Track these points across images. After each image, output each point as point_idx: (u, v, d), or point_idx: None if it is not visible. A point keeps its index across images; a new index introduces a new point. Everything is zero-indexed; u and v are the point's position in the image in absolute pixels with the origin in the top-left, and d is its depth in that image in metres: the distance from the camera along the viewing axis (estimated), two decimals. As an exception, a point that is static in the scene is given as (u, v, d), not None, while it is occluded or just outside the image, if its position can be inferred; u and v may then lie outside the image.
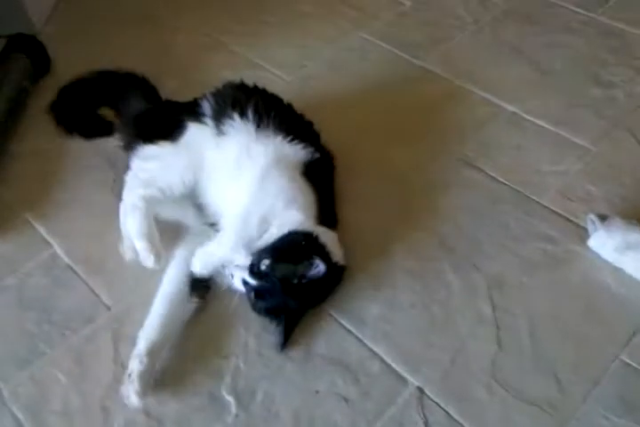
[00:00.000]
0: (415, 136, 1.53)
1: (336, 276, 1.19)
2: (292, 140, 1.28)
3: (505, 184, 1.40)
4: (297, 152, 1.28)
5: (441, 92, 1.66)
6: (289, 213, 1.18)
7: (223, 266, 1.19)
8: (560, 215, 1.33)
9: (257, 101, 1.32)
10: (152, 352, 1.11)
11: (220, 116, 1.31)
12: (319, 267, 1.10)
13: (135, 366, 1.08)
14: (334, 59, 1.78)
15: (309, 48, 1.81)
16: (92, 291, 1.25)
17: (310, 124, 1.38)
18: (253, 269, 1.12)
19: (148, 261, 1.20)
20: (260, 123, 1.28)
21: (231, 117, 1.29)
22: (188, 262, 1.21)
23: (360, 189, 1.40)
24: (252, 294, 1.14)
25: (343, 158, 1.38)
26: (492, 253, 1.27)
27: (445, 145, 1.50)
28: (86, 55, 1.79)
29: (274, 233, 1.17)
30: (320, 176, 1.29)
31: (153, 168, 1.29)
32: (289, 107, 1.38)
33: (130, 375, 1.07)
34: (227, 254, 1.18)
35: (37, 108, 1.63)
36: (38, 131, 1.58)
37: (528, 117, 1.56)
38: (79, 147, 1.52)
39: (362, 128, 1.55)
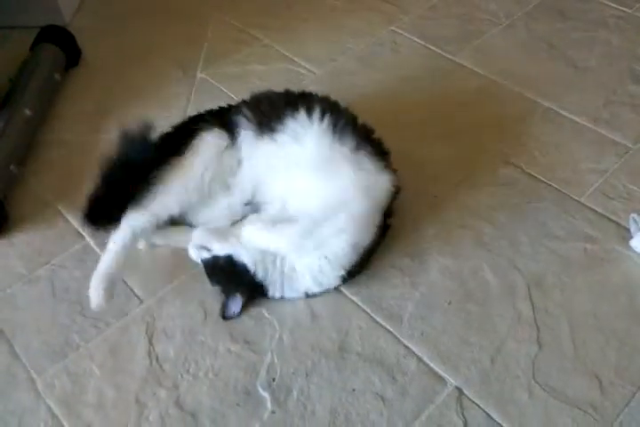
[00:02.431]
0: (450, 132, 1.51)
1: None
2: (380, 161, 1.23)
3: (543, 182, 1.38)
4: (385, 181, 1.22)
5: (474, 87, 1.63)
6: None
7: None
8: (600, 214, 1.30)
9: (323, 103, 1.26)
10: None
11: (267, 117, 1.25)
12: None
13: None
14: (365, 53, 1.76)
15: (340, 42, 1.79)
16: (125, 283, 1.24)
17: (380, 142, 1.30)
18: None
19: (93, 301, 1.14)
20: (333, 127, 1.22)
21: (292, 116, 1.23)
22: None
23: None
24: None
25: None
26: (531, 252, 1.25)
27: (481, 141, 1.48)
28: (115, 47, 1.79)
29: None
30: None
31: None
32: (355, 118, 1.30)
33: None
34: (277, 248, 1.17)
35: (67, 99, 1.63)
36: (69, 122, 1.58)
37: (565, 114, 1.53)
38: (109, 138, 1.50)
39: (393, 123, 1.52)
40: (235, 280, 1.17)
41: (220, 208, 1.26)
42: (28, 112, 1.47)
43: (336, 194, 1.17)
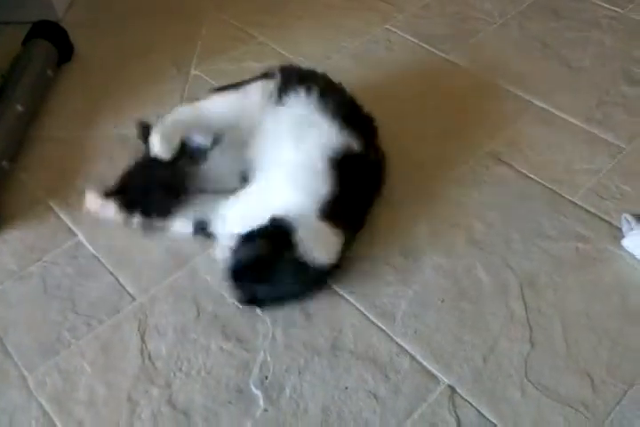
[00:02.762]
0: (443, 130, 1.51)
1: (320, 279, 1.19)
2: (344, 131, 1.26)
3: (536, 181, 1.38)
4: (341, 144, 1.25)
5: (468, 85, 1.63)
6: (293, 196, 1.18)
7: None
8: (593, 214, 1.31)
9: (324, 85, 1.33)
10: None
11: (285, 87, 1.31)
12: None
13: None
14: (359, 51, 1.75)
15: (334, 40, 1.79)
16: (117, 280, 1.23)
17: (370, 119, 1.37)
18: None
19: (155, 147, 1.22)
20: (320, 105, 1.28)
21: (297, 92, 1.30)
22: None
23: (386, 185, 1.37)
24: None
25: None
26: (524, 251, 1.25)
27: (474, 140, 1.48)
28: (108, 43, 1.78)
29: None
30: (356, 173, 1.25)
31: (203, 105, 1.32)
32: (351, 99, 1.38)
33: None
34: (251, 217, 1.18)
35: (59, 95, 1.62)
36: (61, 118, 1.56)
37: (558, 113, 1.53)
38: (102, 135, 1.50)
39: (386, 122, 1.52)
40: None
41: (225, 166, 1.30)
42: (19, 108, 1.46)
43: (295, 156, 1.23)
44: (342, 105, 1.31)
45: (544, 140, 1.47)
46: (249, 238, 1.14)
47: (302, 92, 1.30)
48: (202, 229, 1.26)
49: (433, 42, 1.76)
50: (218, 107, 1.32)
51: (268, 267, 1.13)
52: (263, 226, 1.14)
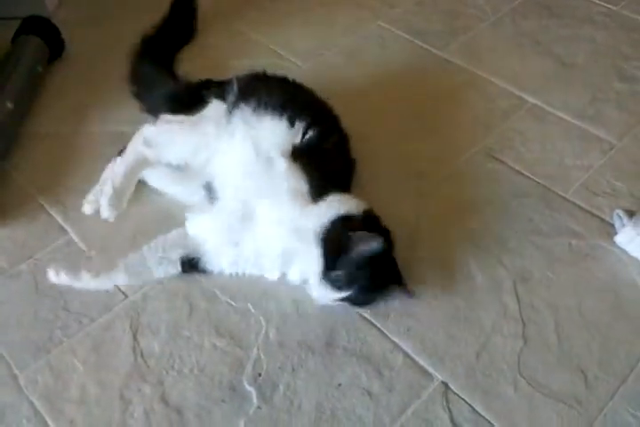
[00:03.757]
0: (435, 127, 1.51)
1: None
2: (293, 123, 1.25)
3: (529, 178, 1.38)
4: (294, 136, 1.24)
5: (461, 82, 1.63)
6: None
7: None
8: (585, 210, 1.31)
9: (267, 91, 1.31)
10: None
11: (234, 105, 1.30)
12: (368, 241, 1.09)
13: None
14: (351, 47, 1.75)
15: (327, 37, 1.78)
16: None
17: (323, 106, 1.36)
18: (339, 285, 1.11)
19: (105, 210, 1.25)
20: (261, 108, 1.27)
21: (241, 109, 1.29)
22: None
23: (378, 182, 1.37)
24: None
25: (359, 150, 1.35)
26: (517, 247, 1.25)
27: (466, 137, 1.48)
28: (99, 39, 1.76)
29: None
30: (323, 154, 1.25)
31: (163, 132, 1.31)
32: (300, 90, 1.37)
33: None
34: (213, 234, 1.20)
35: (50, 92, 1.60)
36: (51, 114, 1.55)
37: (550, 110, 1.54)
38: (92, 132, 1.49)
39: (378, 118, 1.53)
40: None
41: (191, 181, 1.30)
42: (9, 105, 1.44)
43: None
44: (291, 101, 1.29)
45: (536, 137, 1.47)
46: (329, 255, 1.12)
47: (253, 101, 1.28)
48: (191, 266, 1.21)
49: (426, 38, 1.76)
50: (173, 150, 1.30)
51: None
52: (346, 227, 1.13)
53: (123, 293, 1.20)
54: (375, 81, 1.63)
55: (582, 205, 1.32)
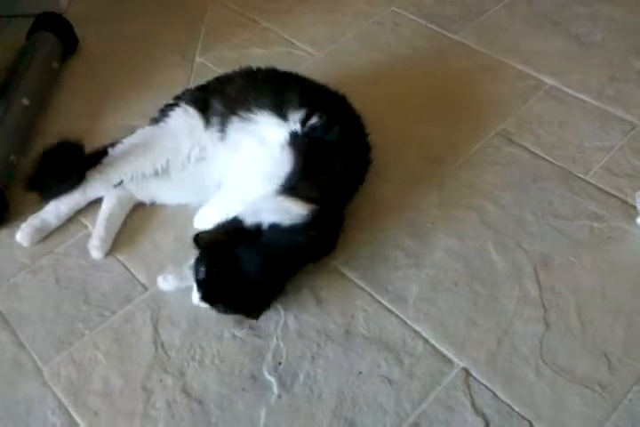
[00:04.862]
0: (452, 112, 1.49)
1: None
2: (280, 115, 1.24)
3: (548, 161, 1.36)
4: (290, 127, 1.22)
5: (477, 65, 1.61)
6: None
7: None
8: (606, 192, 1.29)
9: (253, 94, 1.28)
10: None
11: (223, 120, 1.29)
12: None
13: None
14: (365, 34, 1.73)
15: (340, 24, 1.76)
16: (129, 271, 1.23)
17: (329, 95, 1.32)
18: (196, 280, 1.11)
19: (92, 249, 1.25)
20: (250, 112, 1.26)
21: (230, 120, 1.28)
22: None
23: (395, 168, 1.36)
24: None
25: (376, 136, 1.33)
26: (537, 231, 1.24)
27: (484, 120, 1.46)
28: (113, 34, 1.77)
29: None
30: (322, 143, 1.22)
31: (123, 150, 1.33)
32: (296, 80, 1.34)
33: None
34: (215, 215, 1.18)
35: (65, 87, 1.61)
36: (67, 110, 1.56)
37: (569, 91, 1.51)
38: (108, 127, 1.50)
39: (395, 104, 1.51)
40: None
41: (188, 186, 1.32)
42: (25, 101, 1.45)
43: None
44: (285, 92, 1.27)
45: (555, 119, 1.45)
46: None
47: (241, 111, 1.26)
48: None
49: (440, 22, 1.74)
50: (135, 165, 1.30)
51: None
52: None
53: (142, 285, 1.21)
54: (390, 67, 1.62)
55: (603, 187, 1.30)
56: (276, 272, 1.12)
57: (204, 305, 1.11)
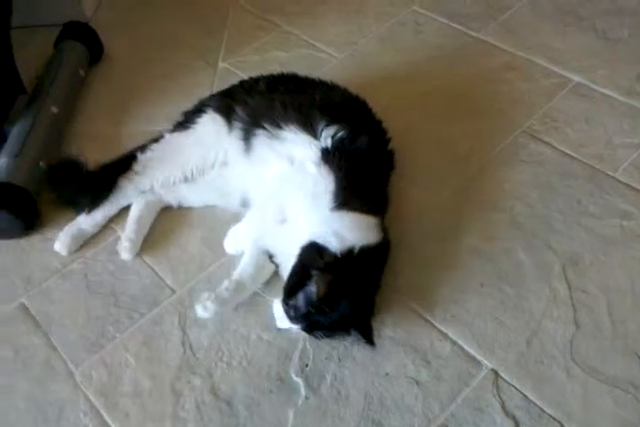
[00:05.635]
0: (477, 111, 1.47)
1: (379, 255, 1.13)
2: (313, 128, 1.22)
3: (575, 158, 1.34)
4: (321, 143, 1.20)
5: (501, 64, 1.59)
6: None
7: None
8: (636, 189, 1.27)
9: (279, 107, 1.26)
10: (239, 284, 1.15)
11: (247, 132, 1.28)
12: (314, 283, 1.04)
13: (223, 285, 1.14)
14: (387, 34, 1.73)
15: (361, 25, 1.76)
16: (157, 274, 1.25)
17: (353, 103, 1.32)
18: (292, 315, 1.07)
19: (121, 250, 1.27)
20: (278, 128, 1.24)
21: (255, 133, 1.26)
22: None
23: (420, 168, 1.36)
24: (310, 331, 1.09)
25: (401, 137, 1.33)
26: (565, 230, 1.22)
27: (509, 119, 1.44)
28: (136, 40, 1.80)
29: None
30: (354, 154, 1.20)
31: (148, 159, 1.34)
32: (319, 90, 1.32)
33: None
34: (249, 236, 1.19)
35: (92, 94, 1.64)
36: (94, 116, 1.59)
37: (596, 88, 1.48)
38: (134, 132, 1.52)
39: (419, 104, 1.51)
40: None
41: (213, 190, 1.33)
42: (54, 109, 1.48)
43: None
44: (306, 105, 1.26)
45: (582, 116, 1.42)
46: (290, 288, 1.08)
47: (266, 123, 1.25)
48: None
49: (463, 21, 1.73)
50: (162, 173, 1.32)
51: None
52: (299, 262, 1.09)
53: (170, 288, 1.23)
54: (413, 67, 1.61)
55: (633, 184, 1.27)
56: (374, 291, 1.11)
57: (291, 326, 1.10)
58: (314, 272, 1.04)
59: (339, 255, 1.06)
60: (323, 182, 1.14)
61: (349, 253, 1.07)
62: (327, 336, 1.09)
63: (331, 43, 1.71)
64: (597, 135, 1.38)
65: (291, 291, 1.07)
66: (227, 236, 1.24)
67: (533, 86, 1.52)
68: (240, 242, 1.22)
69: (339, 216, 1.11)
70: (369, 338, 1.07)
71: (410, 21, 1.75)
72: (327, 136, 1.21)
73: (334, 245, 1.07)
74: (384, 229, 1.15)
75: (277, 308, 1.11)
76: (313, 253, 1.08)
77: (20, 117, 1.44)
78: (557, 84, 1.51)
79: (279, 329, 1.13)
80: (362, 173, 1.19)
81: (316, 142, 1.20)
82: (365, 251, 1.08)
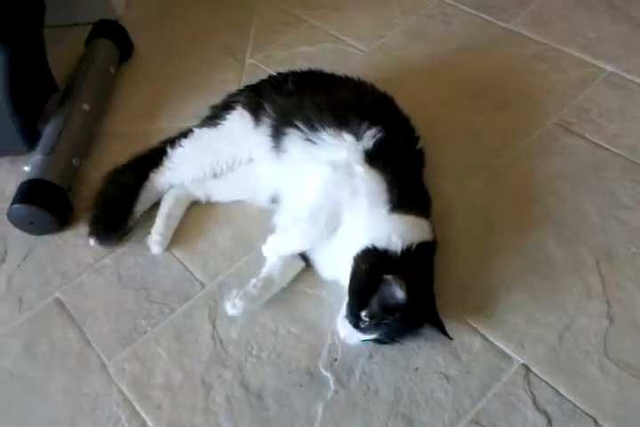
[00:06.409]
0: (507, 102, 1.45)
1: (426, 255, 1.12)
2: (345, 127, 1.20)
3: (609, 150, 1.31)
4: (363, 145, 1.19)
5: (531, 54, 1.57)
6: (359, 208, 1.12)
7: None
8: (672, 181, 1.24)
9: (312, 107, 1.25)
10: (267, 281, 1.15)
11: (278, 130, 1.27)
12: (393, 287, 1.01)
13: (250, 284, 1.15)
14: (414, 27, 1.71)
15: (387, 17, 1.75)
16: (187, 269, 1.26)
17: (383, 101, 1.30)
18: (366, 326, 1.04)
19: (152, 244, 1.28)
20: (314, 130, 1.22)
21: (286, 132, 1.25)
22: None
23: (450, 162, 1.34)
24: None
25: (430, 130, 1.32)
26: (599, 223, 1.20)
27: (541, 111, 1.42)
28: (165, 37, 1.81)
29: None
30: (395, 155, 1.19)
31: (177, 156, 1.35)
32: (349, 88, 1.31)
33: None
34: (297, 248, 1.17)
35: (122, 91, 1.66)
36: (125, 113, 1.61)
37: (630, 77, 1.45)
38: (164, 128, 1.53)
39: (448, 97, 1.49)
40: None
41: (241, 185, 1.34)
42: (86, 107, 1.51)
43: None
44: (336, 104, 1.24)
45: (615, 106, 1.39)
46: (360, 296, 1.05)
47: (300, 123, 1.23)
48: None
49: (492, 11, 1.70)
50: (189, 169, 1.34)
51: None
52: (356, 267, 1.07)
53: (200, 282, 1.24)
54: (442, 59, 1.59)
55: (669, 175, 1.25)
56: (432, 285, 1.10)
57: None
58: (386, 276, 1.02)
59: (401, 256, 1.06)
60: (375, 184, 1.13)
61: (410, 253, 1.07)
62: (400, 339, 1.07)
63: (357, 36, 1.70)
64: (631, 126, 1.35)
65: (362, 301, 1.04)
66: (267, 243, 1.17)
67: (565, 77, 1.49)
68: (284, 253, 1.19)
69: (397, 218, 1.10)
70: (444, 331, 1.05)
71: (438, 13, 1.74)
72: (369, 137, 1.19)
73: (396, 246, 1.06)
74: (433, 228, 1.15)
75: (342, 326, 1.08)
76: (375, 258, 1.06)
77: (52, 115, 1.47)
78: (590, 74, 1.48)
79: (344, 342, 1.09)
80: (406, 174, 1.18)
81: (358, 144, 1.19)
82: (422, 248, 1.08)
